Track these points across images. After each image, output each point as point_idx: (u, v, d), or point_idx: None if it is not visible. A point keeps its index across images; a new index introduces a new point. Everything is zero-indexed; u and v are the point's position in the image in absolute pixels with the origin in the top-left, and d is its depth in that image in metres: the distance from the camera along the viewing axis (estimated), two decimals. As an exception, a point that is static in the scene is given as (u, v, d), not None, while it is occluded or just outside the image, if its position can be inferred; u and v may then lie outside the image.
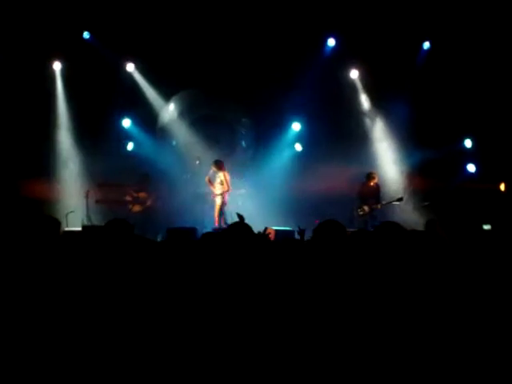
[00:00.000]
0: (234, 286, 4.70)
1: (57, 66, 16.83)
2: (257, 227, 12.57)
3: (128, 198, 15.98)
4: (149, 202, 15.91)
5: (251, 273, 4.83)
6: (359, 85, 17.27)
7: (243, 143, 17.87)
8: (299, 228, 9.37)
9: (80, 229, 13.39)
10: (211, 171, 15.57)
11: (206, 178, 15.65)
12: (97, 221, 15.06)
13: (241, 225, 5.31)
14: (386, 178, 16.60)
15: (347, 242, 5.25)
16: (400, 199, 15.46)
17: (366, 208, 15.48)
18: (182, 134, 17.51)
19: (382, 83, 16.69)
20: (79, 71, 16.60)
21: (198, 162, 16.15)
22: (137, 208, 15.85)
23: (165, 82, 16.87)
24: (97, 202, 16.17)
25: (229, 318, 4.47)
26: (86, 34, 16.45)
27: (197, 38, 16.23)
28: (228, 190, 15.34)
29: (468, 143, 16.90)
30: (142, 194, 15.95)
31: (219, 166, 15.40)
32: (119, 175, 16.21)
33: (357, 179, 15.94)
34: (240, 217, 9.40)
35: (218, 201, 15.34)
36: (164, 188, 16.41)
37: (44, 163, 16.38)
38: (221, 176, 15.32)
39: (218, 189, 15.36)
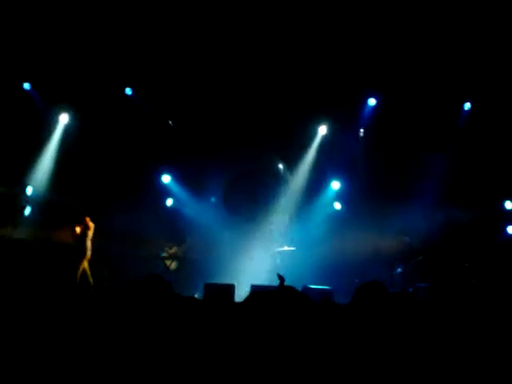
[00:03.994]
0: (272, 351, 4.63)
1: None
2: (296, 284, 12.56)
3: (165, 255, 16.06)
4: (179, 253, 16.00)
5: (298, 339, 4.75)
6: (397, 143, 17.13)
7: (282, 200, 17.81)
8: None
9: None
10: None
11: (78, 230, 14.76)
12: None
13: (287, 289, 5.23)
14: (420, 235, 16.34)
15: (389, 304, 5.17)
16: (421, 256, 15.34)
17: (401, 267, 15.22)
18: (221, 191, 17.57)
19: (423, 142, 16.66)
20: (120, 127, 16.89)
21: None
22: (174, 265, 15.93)
23: (204, 141, 16.97)
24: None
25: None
26: (128, 90, 16.70)
27: (237, 95, 16.41)
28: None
29: (508, 205, 16.67)
30: (173, 250, 16.04)
31: (88, 219, 14.94)
32: (158, 230, 16.28)
33: (397, 237, 15.78)
34: (281, 278, 9.29)
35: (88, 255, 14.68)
36: (201, 242, 16.45)
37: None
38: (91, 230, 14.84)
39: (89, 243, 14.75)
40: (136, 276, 14.68)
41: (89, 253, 14.66)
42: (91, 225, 14.86)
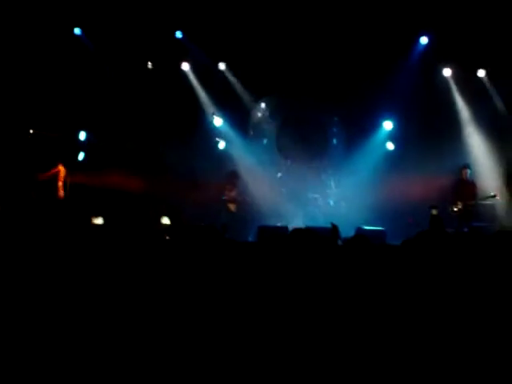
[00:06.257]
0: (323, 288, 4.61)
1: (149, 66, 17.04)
2: (349, 227, 12.57)
3: (225, 198, 16.07)
4: (239, 198, 16.04)
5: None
6: (452, 83, 16.78)
7: (334, 141, 17.67)
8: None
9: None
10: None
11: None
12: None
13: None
14: (480, 173, 15.95)
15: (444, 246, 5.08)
16: (493, 196, 14.85)
17: (460, 204, 14.92)
18: (273, 134, 17.52)
19: (476, 80, 16.28)
20: (171, 70, 16.90)
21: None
22: (232, 207, 15.97)
23: (256, 82, 16.81)
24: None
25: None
26: (178, 34, 16.59)
27: (287, 38, 16.16)
28: None
29: None
30: (233, 193, 16.06)
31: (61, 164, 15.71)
32: (210, 174, 16.28)
33: (450, 175, 15.52)
34: (334, 227, 9.11)
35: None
36: (254, 185, 16.44)
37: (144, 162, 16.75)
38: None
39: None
40: (198, 220, 15.00)
41: (61, 192, 15.42)
42: (62, 169, 15.50)
